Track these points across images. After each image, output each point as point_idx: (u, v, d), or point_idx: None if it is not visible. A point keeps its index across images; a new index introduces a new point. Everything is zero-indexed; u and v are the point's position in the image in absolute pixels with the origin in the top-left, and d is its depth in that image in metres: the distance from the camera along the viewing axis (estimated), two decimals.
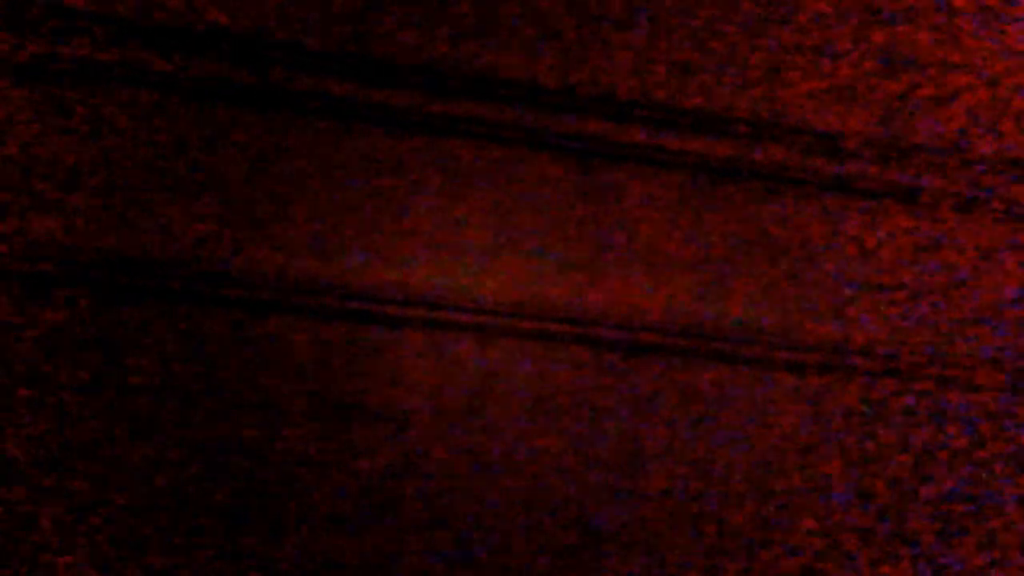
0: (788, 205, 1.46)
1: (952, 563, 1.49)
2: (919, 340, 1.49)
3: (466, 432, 1.56)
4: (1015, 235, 1.48)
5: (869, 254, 1.47)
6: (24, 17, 1.55)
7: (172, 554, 1.58)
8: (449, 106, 1.53)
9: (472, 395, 1.56)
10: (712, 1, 1.51)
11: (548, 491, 1.55)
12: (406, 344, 1.55)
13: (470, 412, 1.56)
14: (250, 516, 1.58)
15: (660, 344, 1.52)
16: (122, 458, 1.58)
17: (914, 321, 1.49)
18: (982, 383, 1.46)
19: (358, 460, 1.57)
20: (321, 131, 1.55)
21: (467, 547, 1.57)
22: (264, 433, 1.58)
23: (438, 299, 1.55)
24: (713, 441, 1.53)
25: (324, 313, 1.56)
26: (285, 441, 1.57)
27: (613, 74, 1.53)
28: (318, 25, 1.55)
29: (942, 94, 1.46)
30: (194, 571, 1.58)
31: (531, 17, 1.53)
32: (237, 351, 1.57)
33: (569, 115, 1.53)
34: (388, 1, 1.54)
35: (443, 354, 1.56)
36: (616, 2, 1.52)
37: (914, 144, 1.45)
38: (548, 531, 1.56)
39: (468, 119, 1.53)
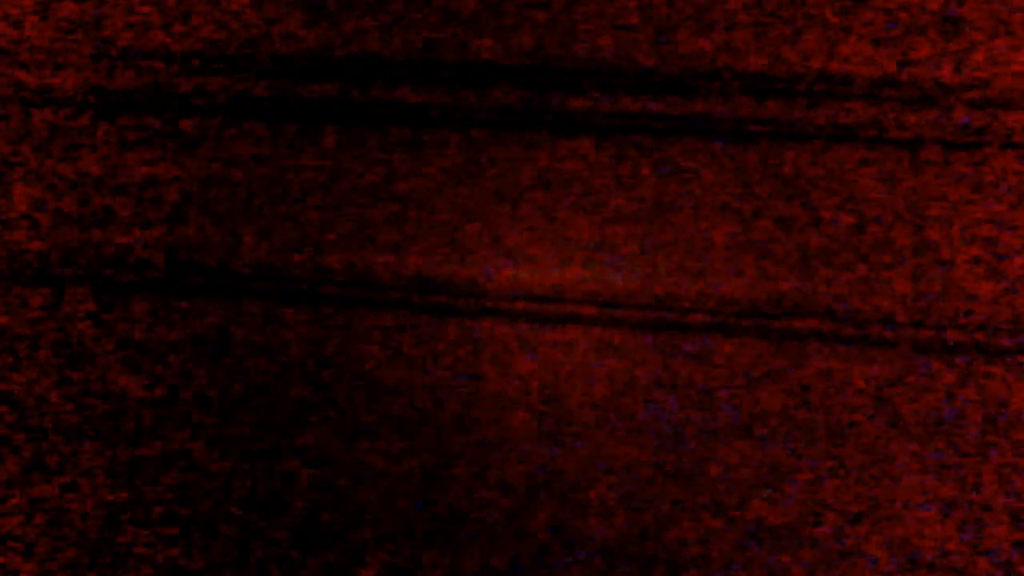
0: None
1: None
2: None
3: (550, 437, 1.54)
4: None
5: None
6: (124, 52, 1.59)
7: (245, 569, 1.59)
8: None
9: (551, 388, 1.54)
10: None
11: (626, 495, 1.53)
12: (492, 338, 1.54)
13: (552, 404, 1.54)
14: (327, 525, 1.58)
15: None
16: (198, 468, 1.59)
17: None
18: None
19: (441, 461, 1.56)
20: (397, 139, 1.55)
21: (550, 557, 1.55)
22: (339, 439, 1.57)
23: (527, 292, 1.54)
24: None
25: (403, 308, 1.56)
26: (359, 449, 1.57)
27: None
28: (389, 36, 1.55)
29: None
30: None
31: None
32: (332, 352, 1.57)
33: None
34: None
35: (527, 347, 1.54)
36: None
37: None
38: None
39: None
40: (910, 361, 1.47)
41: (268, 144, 1.57)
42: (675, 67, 1.50)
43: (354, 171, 1.56)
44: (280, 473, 1.58)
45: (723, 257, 1.50)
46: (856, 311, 1.46)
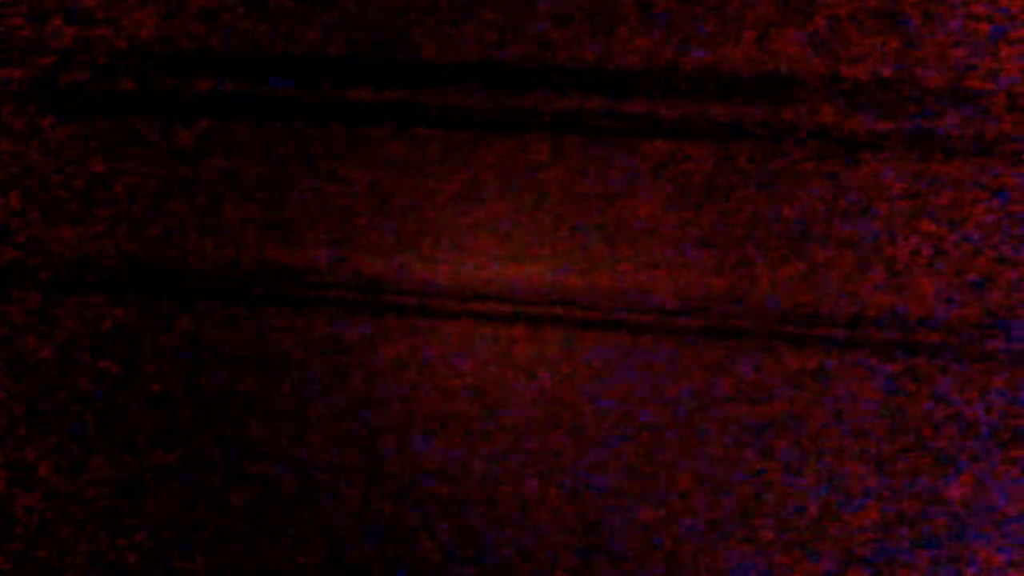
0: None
1: None
2: None
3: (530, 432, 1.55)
4: None
5: None
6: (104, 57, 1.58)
7: (196, 560, 1.59)
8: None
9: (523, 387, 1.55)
10: None
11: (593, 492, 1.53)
12: (449, 337, 1.55)
13: (524, 404, 1.55)
14: (273, 523, 1.58)
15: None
16: (146, 464, 1.59)
17: None
18: None
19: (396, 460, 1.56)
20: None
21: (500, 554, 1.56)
22: (293, 438, 1.58)
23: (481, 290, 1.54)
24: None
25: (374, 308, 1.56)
26: (315, 444, 1.57)
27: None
28: (352, 35, 1.55)
29: None
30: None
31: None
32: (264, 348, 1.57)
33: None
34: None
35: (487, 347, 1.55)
36: None
37: None
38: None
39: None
40: (845, 357, 1.48)
41: (216, 142, 1.57)
42: (620, 65, 1.50)
43: (298, 168, 1.57)
44: (225, 466, 1.58)
45: (666, 253, 1.51)
46: (796, 307, 1.48)
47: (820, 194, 1.46)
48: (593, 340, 1.52)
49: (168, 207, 1.58)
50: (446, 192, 1.54)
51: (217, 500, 1.59)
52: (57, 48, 1.57)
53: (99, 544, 1.60)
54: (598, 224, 1.51)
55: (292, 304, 1.57)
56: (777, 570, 1.50)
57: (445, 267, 1.54)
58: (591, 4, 1.50)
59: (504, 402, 1.55)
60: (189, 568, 1.60)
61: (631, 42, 1.49)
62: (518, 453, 1.55)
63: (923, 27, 1.43)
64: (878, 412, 1.46)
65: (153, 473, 1.59)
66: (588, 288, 1.52)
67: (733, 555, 1.51)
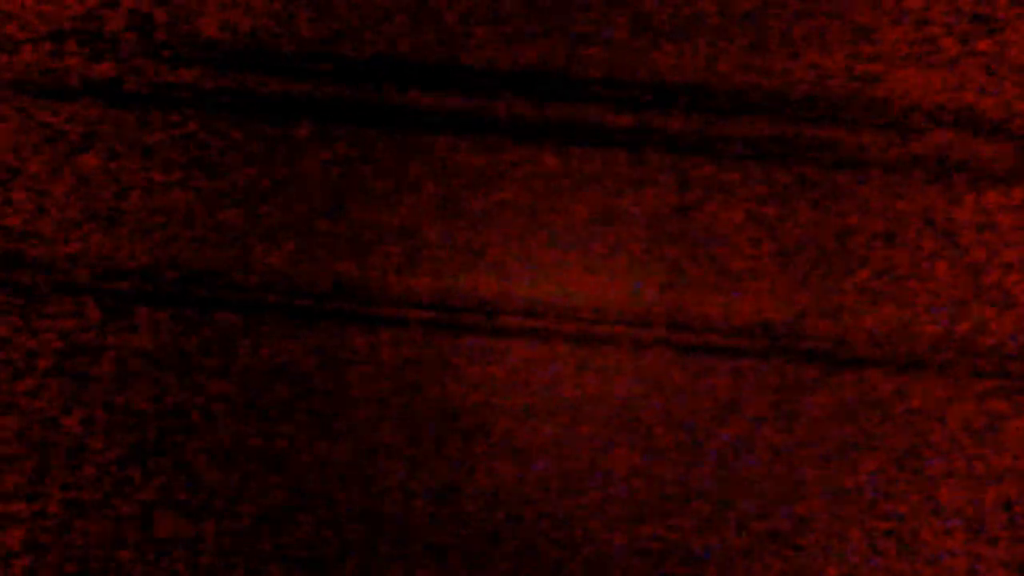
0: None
1: None
2: None
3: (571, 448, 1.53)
4: None
5: None
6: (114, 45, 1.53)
7: None
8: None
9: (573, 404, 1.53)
10: None
11: (647, 507, 1.52)
12: (503, 355, 1.52)
13: (571, 421, 1.53)
14: (338, 548, 1.55)
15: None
16: (206, 485, 1.55)
17: None
18: None
19: (452, 480, 1.54)
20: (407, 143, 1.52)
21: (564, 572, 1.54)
22: (355, 456, 1.54)
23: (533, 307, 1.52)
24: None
25: (417, 326, 1.53)
26: (377, 464, 1.54)
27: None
28: (403, 38, 1.52)
29: None
30: None
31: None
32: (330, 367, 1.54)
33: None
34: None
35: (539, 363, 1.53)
36: None
37: None
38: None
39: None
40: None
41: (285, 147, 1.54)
42: (698, 82, 1.50)
43: (364, 179, 1.53)
44: (288, 487, 1.54)
45: (742, 272, 1.51)
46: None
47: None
48: (669, 359, 1.51)
49: (222, 216, 1.54)
50: (520, 203, 1.52)
51: (281, 522, 1.55)
52: (112, 43, 1.52)
53: (159, 568, 1.55)
54: (675, 240, 1.50)
55: (359, 321, 1.53)
56: None
57: (517, 284, 1.52)
58: (670, 18, 1.48)
59: (575, 421, 1.53)
60: None
61: (711, 58, 1.48)
62: (591, 472, 1.53)
63: None
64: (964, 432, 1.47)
65: (210, 495, 1.54)
66: (664, 306, 1.50)
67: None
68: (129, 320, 1.54)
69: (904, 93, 1.46)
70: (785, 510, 1.50)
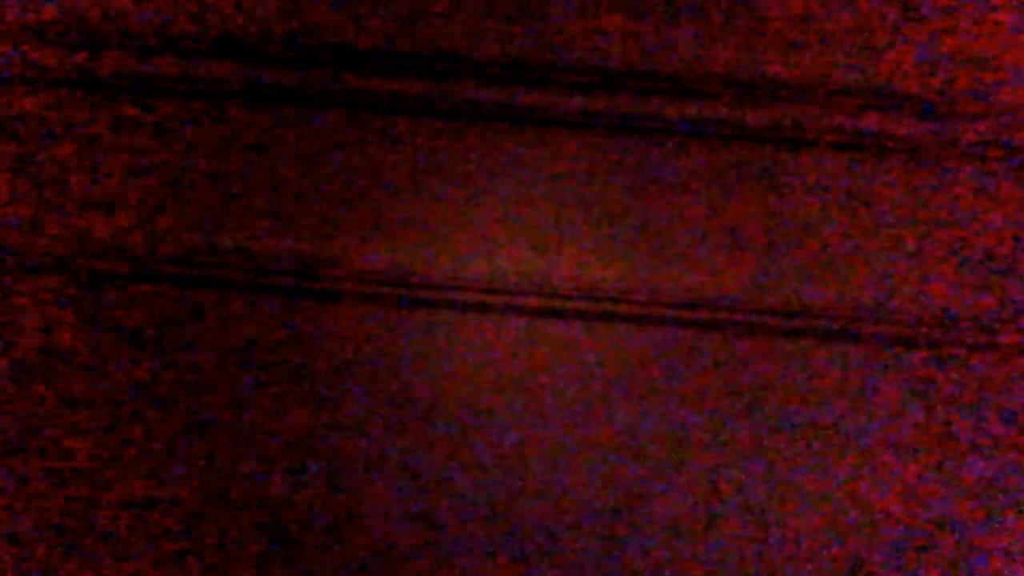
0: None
1: None
2: None
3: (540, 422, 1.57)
4: None
5: None
6: (84, 33, 1.58)
7: (226, 553, 1.60)
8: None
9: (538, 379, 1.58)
10: None
11: (608, 480, 1.56)
12: (463, 328, 1.57)
13: (540, 398, 1.58)
14: (303, 514, 1.60)
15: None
16: (176, 455, 1.60)
17: None
18: None
19: (415, 455, 1.59)
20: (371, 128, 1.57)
21: (529, 550, 1.59)
22: (319, 427, 1.59)
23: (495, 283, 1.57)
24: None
25: (385, 302, 1.57)
26: (341, 436, 1.59)
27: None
28: (365, 24, 1.56)
29: None
30: (248, 569, 1.60)
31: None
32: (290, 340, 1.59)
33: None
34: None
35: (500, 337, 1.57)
36: None
37: None
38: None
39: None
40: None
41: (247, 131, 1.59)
42: (649, 70, 1.54)
43: (328, 159, 1.58)
44: (255, 456, 1.60)
45: (692, 247, 1.55)
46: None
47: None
48: (622, 333, 1.56)
49: (193, 197, 1.60)
50: (473, 185, 1.57)
51: (249, 489, 1.60)
52: (86, 32, 1.58)
53: (132, 531, 1.61)
54: (625, 217, 1.55)
55: (319, 296, 1.59)
56: (803, 555, 1.55)
57: (474, 260, 1.57)
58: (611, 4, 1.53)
59: (530, 394, 1.58)
60: (225, 557, 1.61)
61: (661, 44, 1.53)
62: (545, 444, 1.58)
63: None
64: (902, 402, 1.52)
65: (183, 464, 1.60)
66: (616, 281, 1.55)
67: (773, 547, 1.56)
68: (103, 297, 1.60)
69: (841, 77, 1.51)
70: (729, 473, 1.56)
